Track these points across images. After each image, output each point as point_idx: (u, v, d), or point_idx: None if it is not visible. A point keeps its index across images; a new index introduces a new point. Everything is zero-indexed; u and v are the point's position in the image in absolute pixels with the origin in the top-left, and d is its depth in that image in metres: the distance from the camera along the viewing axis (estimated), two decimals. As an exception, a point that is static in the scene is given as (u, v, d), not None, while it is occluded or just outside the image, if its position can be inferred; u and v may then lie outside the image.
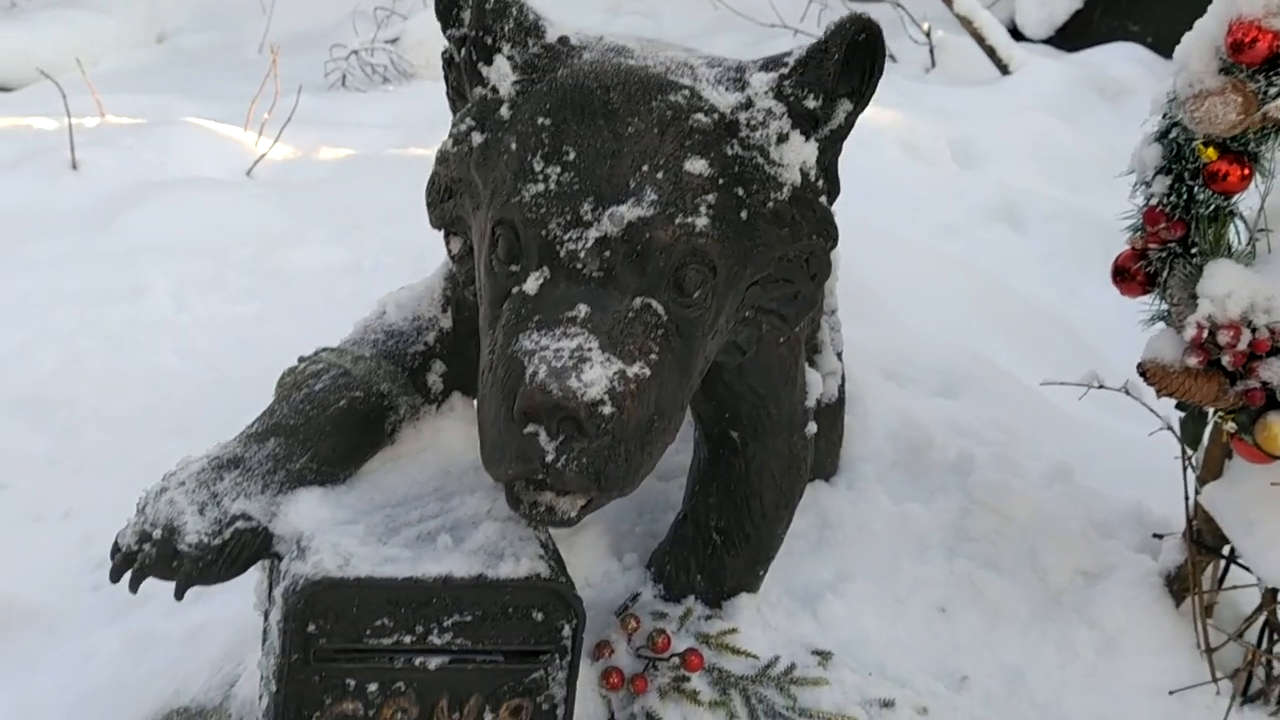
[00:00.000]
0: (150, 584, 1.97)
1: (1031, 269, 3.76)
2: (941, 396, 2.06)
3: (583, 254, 0.95)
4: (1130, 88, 5.45)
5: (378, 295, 1.42)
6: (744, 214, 1.01)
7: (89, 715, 1.66)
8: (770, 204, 1.02)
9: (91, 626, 1.86)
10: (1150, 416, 1.63)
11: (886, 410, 1.91)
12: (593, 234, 0.95)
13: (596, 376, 0.91)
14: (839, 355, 1.71)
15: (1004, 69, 5.59)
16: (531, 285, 0.97)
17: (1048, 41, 6.31)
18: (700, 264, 0.98)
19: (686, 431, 1.82)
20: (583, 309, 0.95)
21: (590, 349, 0.92)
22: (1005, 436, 1.90)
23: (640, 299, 0.97)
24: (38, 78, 6.00)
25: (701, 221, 0.97)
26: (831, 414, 1.69)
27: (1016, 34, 6.14)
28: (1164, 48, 5.91)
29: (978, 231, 4.02)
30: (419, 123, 5.17)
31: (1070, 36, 6.25)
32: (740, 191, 1.00)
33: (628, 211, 0.95)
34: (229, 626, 1.66)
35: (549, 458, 0.93)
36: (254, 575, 1.35)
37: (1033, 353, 2.71)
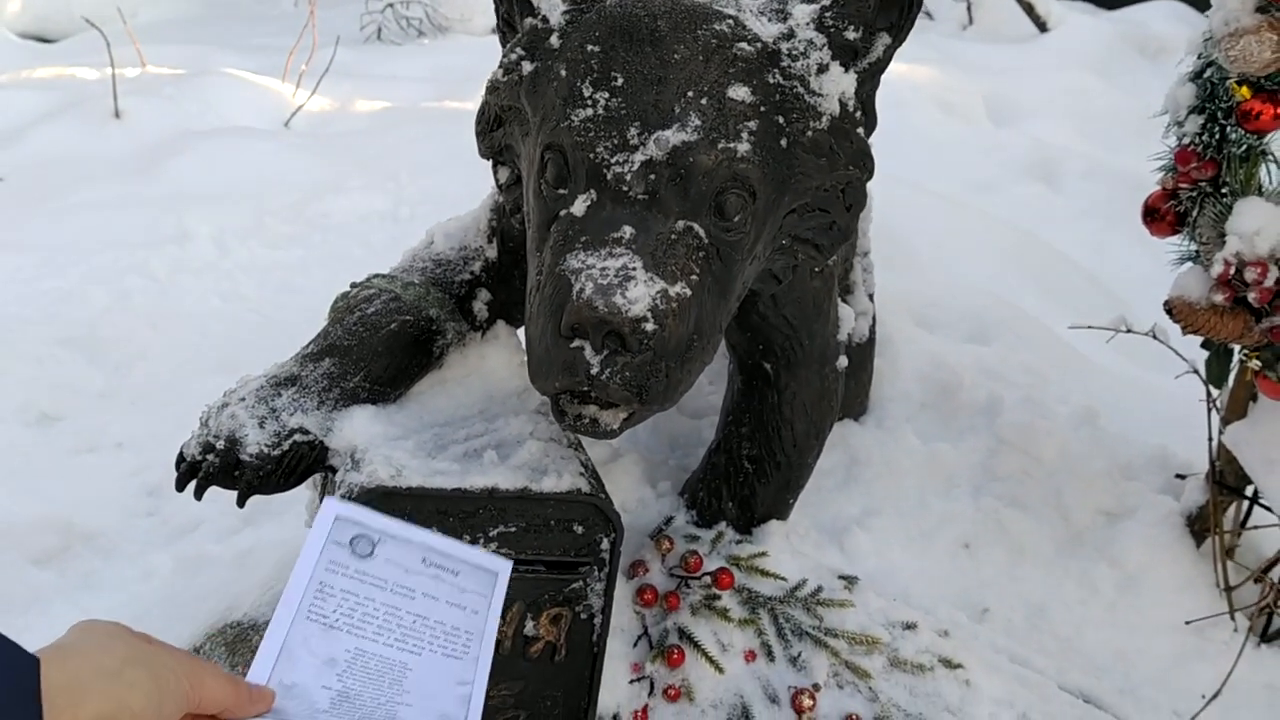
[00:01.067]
0: (201, 510, 2.04)
1: (1065, 226, 3.77)
2: (971, 342, 2.09)
3: (628, 177, 0.99)
4: (1171, 46, 5.39)
5: (413, 243, 1.47)
6: (784, 142, 1.04)
7: (146, 630, 1.73)
8: (809, 133, 1.05)
9: (147, 549, 1.95)
10: (1175, 363, 1.66)
11: (916, 353, 1.94)
12: (638, 157, 0.99)
13: (640, 294, 0.95)
14: (870, 297, 1.74)
15: (1042, 26, 5.54)
16: (579, 207, 1.01)
17: (1087, -1, 6.24)
18: (741, 189, 1.02)
19: (720, 369, 1.87)
20: (628, 230, 0.99)
21: (634, 268, 0.96)
22: (1033, 380, 1.93)
23: (683, 222, 1.01)
24: (79, 28, 6.09)
25: (743, 147, 1.01)
26: (862, 354, 1.72)
27: (1056, -9, 6.05)
28: (1205, 4, 5.84)
29: (1012, 188, 4.02)
30: (453, 76, 5.20)
31: (1111, -6, 6.17)
32: (781, 119, 1.04)
33: (672, 136, 0.99)
34: (276, 549, 1.74)
35: (594, 370, 0.97)
36: (304, 495, 1.41)
37: (1062, 303, 2.72)
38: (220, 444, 1.13)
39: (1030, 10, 5.54)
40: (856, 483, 1.72)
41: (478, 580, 0.97)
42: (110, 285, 2.87)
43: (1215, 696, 1.43)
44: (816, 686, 1.25)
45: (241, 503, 1.14)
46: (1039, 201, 3.99)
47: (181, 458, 1.16)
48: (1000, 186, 4.05)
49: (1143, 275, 3.57)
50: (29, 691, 0.67)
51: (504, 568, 0.99)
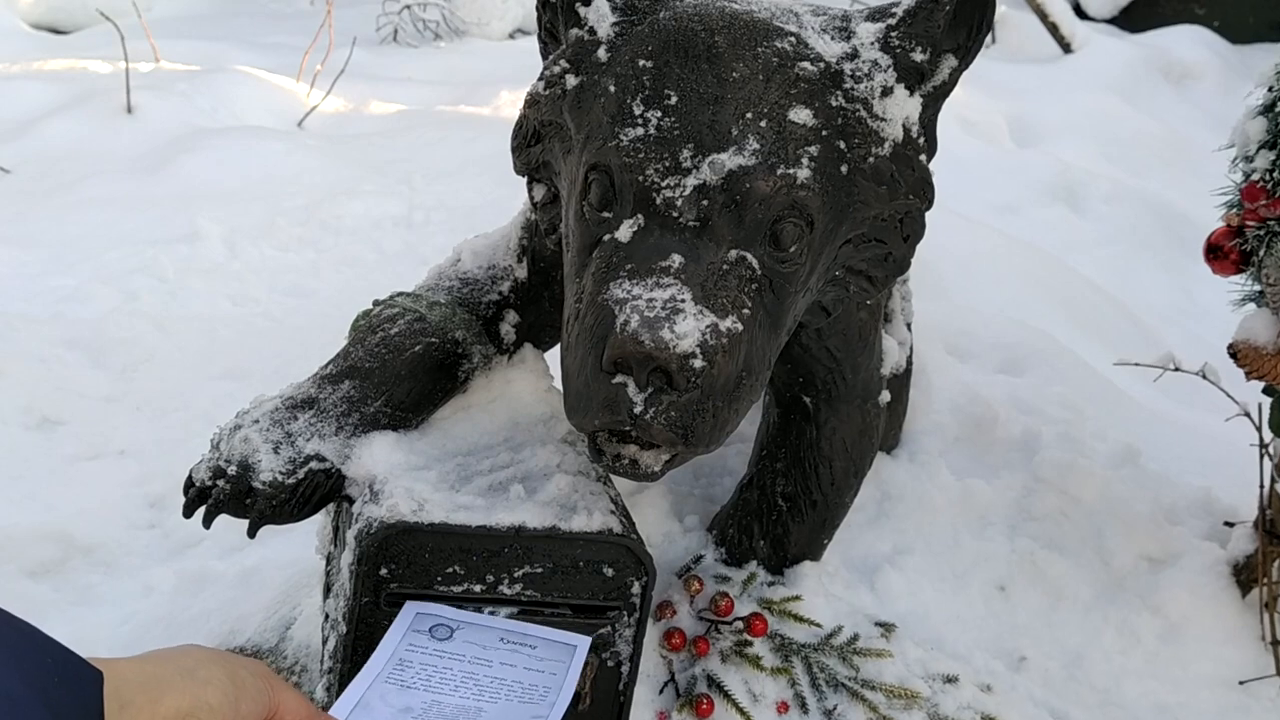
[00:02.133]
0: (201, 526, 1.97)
1: (1090, 250, 3.71)
2: (1005, 373, 2.03)
3: (680, 202, 0.93)
4: (1195, 71, 5.34)
5: (427, 249, 1.41)
6: (844, 168, 0.98)
7: (143, 649, 1.67)
8: (871, 159, 0.99)
9: (148, 564, 1.88)
10: (1219, 406, 1.59)
11: (950, 384, 1.87)
12: (691, 181, 0.93)
13: (689, 329, 0.89)
14: (908, 326, 1.68)
15: (1066, 47, 5.49)
16: (625, 233, 0.95)
17: (1111, 21, 6.20)
18: (798, 218, 0.95)
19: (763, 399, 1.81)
20: (677, 259, 0.92)
21: (683, 300, 0.90)
22: (1071, 415, 1.86)
23: (735, 251, 0.95)
24: (93, 21, 6.05)
25: (803, 174, 0.94)
26: (898, 385, 1.66)
27: (1080, 12, 6.03)
28: (1230, 32, 5.78)
29: (1036, 211, 3.96)
30: (469, 80, 5.15)
31: (1135, 17, 6.13)
32: (842, 145, 0.97)
33: (729, 160, 0.92)
34: (283, 570, 1.67)
35: (637, 409, 0.91)
36: (318, 519, 1.35)
37: (1092, 333, 2.66)
38: (232, 469, 1.07)
39: (1055, 31, 5.48)
40: (888, 519, 1.65)
41: (555, 651, 1.01)
42: (118, 285, 2.82)
43: (1266, 759, 1.36)
44: (852, 742, 1.19)
45: (253, 533, 1.07)
46: (1062, 224, 3.93)
47: (190, 482, 1.10)
48: (1023, 208, 4.00)
49: (1171, 304, 3.52)
50: (92, 708, 0.67)
51: (582, 641, 1.02)
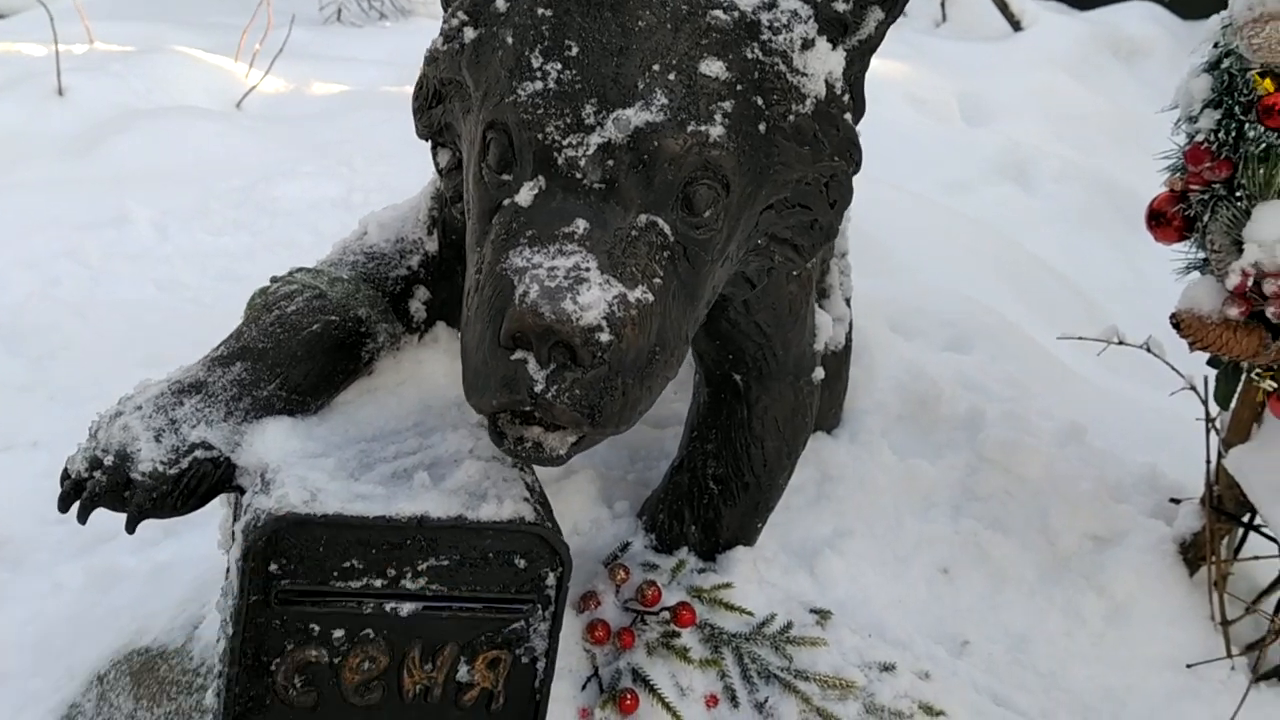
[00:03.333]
0: (117, 520, 1.89)
1: (1039, 227, 3.69)
2: (950, 350, 1.98)
3: (583, 162, 0.86)
4: (1145, 48, 5.33)
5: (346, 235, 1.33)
6: (762, 126, 0.91)
7: (50, 650, 1.59)
8: (791, 117, 0.92)
9: (57, 560, 1.79)
10: (1165, 380, 1.55)
11: (893, 362, 1.82)
12: (595, 140, 0.85)
13: (594, 299, 0.82)
14: (847, 301, 1.62)
15: (1016, 25, 5.47)
16: (525, 196, 0.87)
17: (1062, -2, 6.17)
18: (712, 179, 0.89)
19: (685, 378, 1.75)
20: (581, 224, 0.85)
21: (588, 269, 0.83)
22: (1016, 393, 1.82)
23: (645, 216, 0.88)
24: (29, 4, 5.84)
25: (716, 131, 0.87)
26: (837, 363, 1.60)
27: (1031, -11, 5.97)
28: (1180, 7, 5.77)
29: (985, 188, 3.94)
30: (415, 60, 5.00)
31: (1085, -6, 6.10)
32: (759, 101, 0.91)
33: (635, 116, 0.85)
34: (195, 565, 1.59)
35: (538, 388, 0.84)
36: (220, 511, 1.27)
37: (1040, 310, 2.63)
38: (109, 459, 0.99)
39: (1005, 8, 5.46)
40: (828, 500, 1.59)
41: None
42: (38, 270, 2.71)
43: (1214, 743, 1.33)
44: (785, 736, 1.13)
45: (131, 528, 0.99)
46: (1012, 202, 3.91)
47: (66, 474, 1.02)
48: (973, 186, 3.97)
49: (1119, 280, 3.50)
50: None
51: None
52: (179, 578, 1.58)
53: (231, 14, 5.69)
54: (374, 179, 3.48)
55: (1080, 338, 1.58)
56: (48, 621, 1.66)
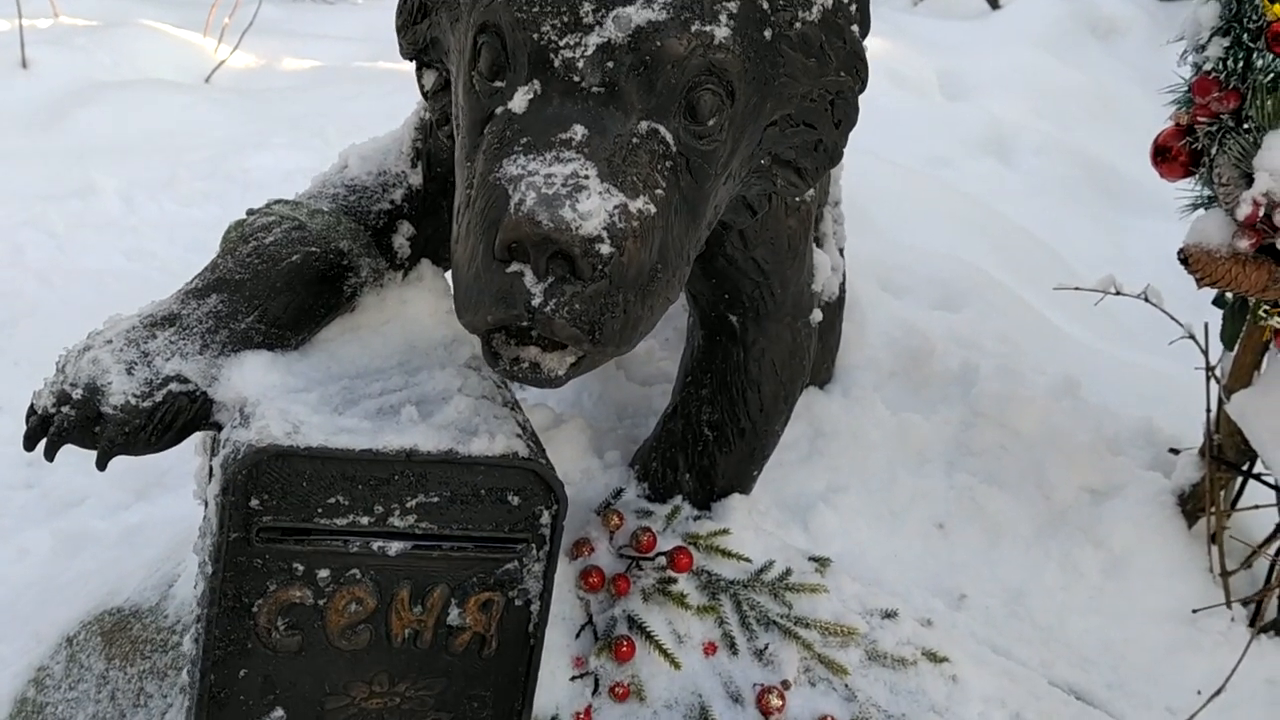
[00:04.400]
0: (86, 482, 1.82)
1: (1020, 202, 3.67)
2: (941, 309, 1.95)
3: (581, 63, 0.81)
4: (1122, 26, 5.33)
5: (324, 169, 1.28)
6: (768, 33, 0.87)
7: (17, 615, 1.54)
8: (798, 24, 0.88)
9: (23, 524, 1.75)
10: (1155, 343, 1.53)
11: (884, 318, 1.79)
12: (593, 40, 0.81)
13: (594, 208, 0.78)
14: (841, 252, 1.58)
15: (994, 3, 5.47)
16: (519, 102, 0.83)
17: (1039, -22, 6.14)
18: (717, 84, 0.84)
19: (673, 336, 1.70)
20: (579, 130, 0.80)
21: (587, 176, 0.78)
22: (1008, 349, 1.79)
23: (647, 122, 0.83)
24: (-13, -24, 5.71)
25: (721, 32, 0.83)
26: (830, 314, 1.56)
27: (1008, -32, 5.96)
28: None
29: (967, 163, 3.92)
30: (388, 38, 4.93)
31: (1062, -27, 6.08)
32: (765, 4, 0.86)
33: (636, 13, 0.80)
34: (169, 527, 1.54)
35: (535, 301, 0.79)
36: (195, 461, 1.21)
37: (1025, 276, 2.60)
38: (77, 393, 0.94)
39: (982, -13, 5.45)
40: (822, 456, 1.56)
41: None
42: (1, 240, 2.63)
43: (1217, 694, 1.30)
44: (785, 684, 1.09)
45: (102, 464, 0.94)
46: (992, 176, 3.89)
47: (32, 410, 0.96)
48: (954, 161, 3.95)
49: (1099, 254, 3.49)
50: None
51: None
52: (152, 539, 1.53)
53: (199, -11, 5.59)
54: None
55: (1078, 288, 1.55)
56: (13, 587, 1.61)
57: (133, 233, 2.81)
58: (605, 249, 0.78)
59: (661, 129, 0.84)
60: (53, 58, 4.07)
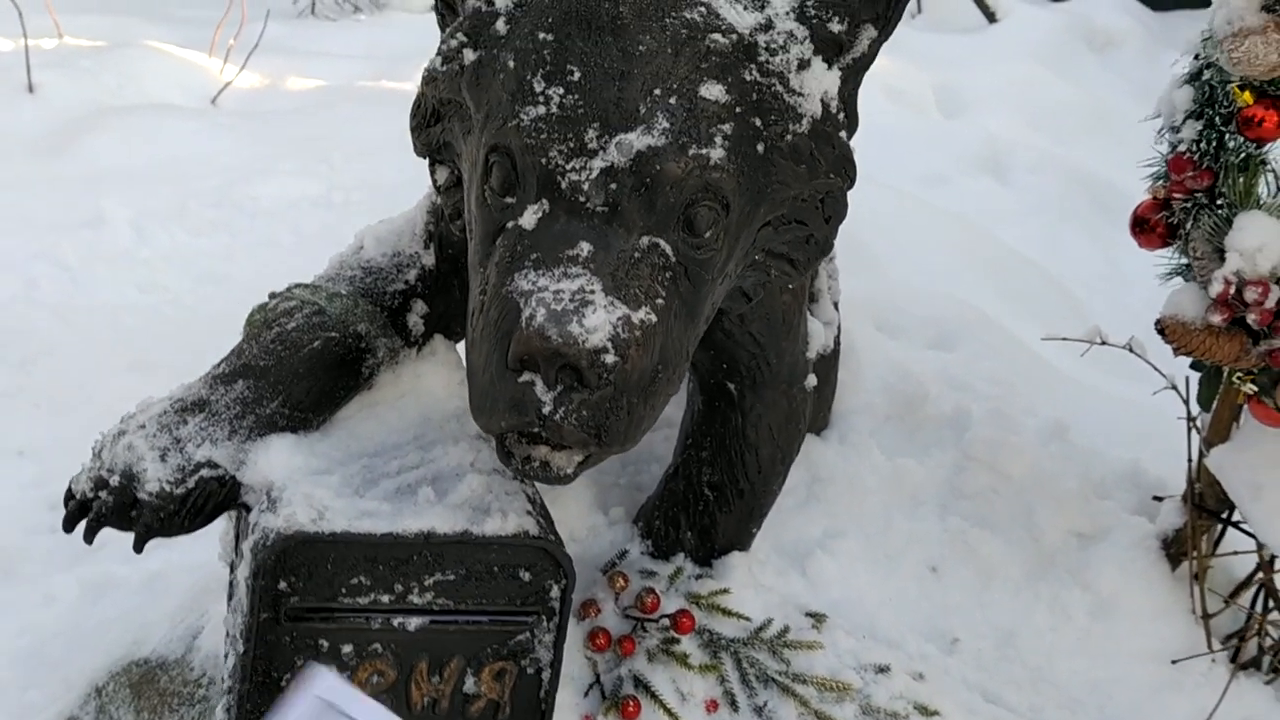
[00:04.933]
0: (106, 529, 1.89)
1: (1016, 220, 3.72)
2: (935, 349, 2.00)
3: (586, 185, 0.87)
4: (1118, 39, 5.37)
5: (348, 231, 1.33)
6: (760, 147, 0.93)
7: (45, 662, 1.59)
8: (789, 136, 0.94)
9: (48, 570, 1.79)
10: (1147, 377, 1.58)
11: (879, 362, 1.84)
12: (598, 164, 0.87)
13: (600, 322, 0.84)
14: (835, 305, 1.64)
15: (991, 16, 5.51)
16: (529, 219, 0.89)
17: (1035, -11, 6.18)
18: (713, 201, 0.90)
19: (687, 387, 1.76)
20: (585, 247, 0.86)
21: (593, 291, 0.84)
22: (1001, 391, 1.84)
23: (647, 238, 0.89)
24: (-9, -5, 5.76)
25: (716, 153, 0.89)
26: (826, 366, 1.62)
27: (1004, -20, 6.00)
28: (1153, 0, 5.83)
29: (963, 181, 3.96)
30: (391, 54, 5.01)
31: (1058, -16, 6.13)
32: (758, 122, 0.92)
33: (637, 140, 0.86)
34: (190, 574, 1.59)
35: (546, 409, 0.85)
36: (218, 524, 1.27)
37: (1020, 305, 2.66)
38: (115, 480, 1.00)
39: (980, 0, 5.49)
40: (819, 502, 1.62)
41: None
42: (16, 273, 2.68)
43: (1197, 735, 1.36)
44: (783, 738, 1.15)
45: (139, 547, 1.00)
46: (989, 195, 3.94)
47: (70, 494, 1.02)
48: (951, 179, 3.99)
49: (1096, 272, 3.54)
50: None
51: None
52: (172, 587, 1.59)
53: (203, 7, 5.63)
54: (353, 176, 3.46)
55: (1064, 339, 1.61)
56: (41, 633, 1.66)
57: (145, 265, 2.85)
58: (610, 359, 0.84)
59: (661, 243, 0.89)
60: (59, 81, 4.10)
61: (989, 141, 4.30)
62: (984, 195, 3.94)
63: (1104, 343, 1.56)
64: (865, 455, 1.67)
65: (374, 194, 3.30)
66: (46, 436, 2.06)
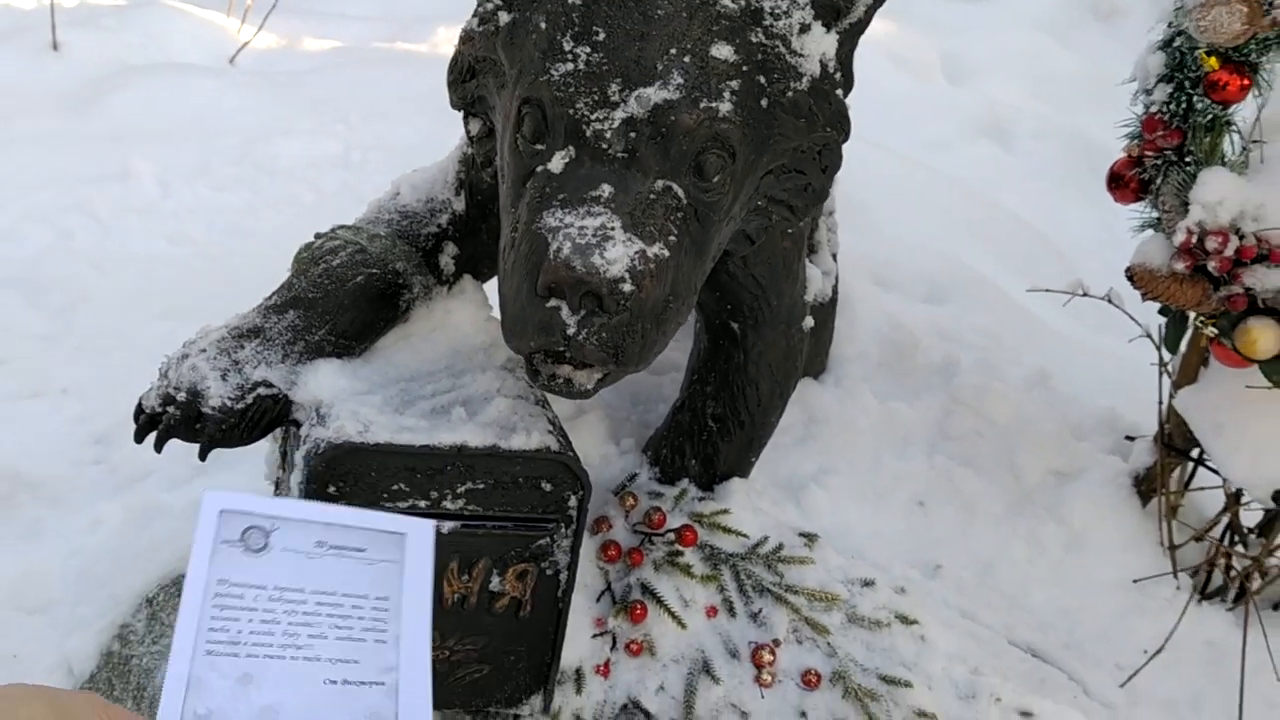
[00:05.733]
0: (151, 459, 2.00)
1: (1018, 186, 3.80)
2: (928, 303, 2.11)
3: (609, 134, 0.98)
4: (1123, 8, 5.42)
5: (366, 189, 1.43)
6: (764, 102, 1.03)
7: (93, 582, 1.70)
8: (790, 93, 1.05)
9: (94, 498, 1.89)
10: (1127, 328, 1.69)
11: (874, 313, 1.95)
12: (619, 114, 0.97)
13: (618, 255, 0.95)
14: (834, 256, 1.75)
15: (998, -16, 5.53)
16: (557, 164, 1.00)
17: (1043, -42, 6.22)
18: (721, 149, 1.01)
19: (683, 329, 1.87)
20: (606, 189, 0.97)
21: (613, 228, 0.95)
22: (989, 342, 1.95)
23: (662, 181, 1.00)
24: (12, -46, 5.82)
25: (725, 107, 1.00)
26: (824, 314, 1.73)
27: (1012, -51, 6.03)
28: (1158, -31, 5.89)
29: (966, 147, 4.04)
30: (406, 17, 5.08)
31: (1066, -47, 6.16)
32: (762, 79, 1.03)
33: (654, 94, 0.97)
34: (231, 500, 1.71)
35: (570, 330, 0.96)
36: (265, 446, 1.39)
37: (1013, 264, 2.76)
38: (181, 396, 1.11)
39: (986, -32, 5.53)
40: (814, 440, 1.73)
41: (386, 549, 0.89)
42: (51, 224, 2.78)
43: (1158, 653, 1.48)
44: (776, 642, 1.27)
45: (204, 456, 1.12)
46: (992, 161, 4.02)
47: (140, 409, 1.14)
48: (954, 145, 4.07)
49: (1093, 236, 3.63)
50: None
51: (415, 527, 0.90)
52: (216, 512, 1.70)
53: (220, -33, 5.70)
54: (370, 136, 3.55)
55: (1047, 290, 1.71)
56: (89, 555, 1.77)
57: (173, 217, 2.94)
58: (627, 288, 0.96)
59: (675, 186, 1.00)
60: (82, 39, 4.17)
61: (993, 108, 4.37)
62: (986, 161, 4.03)
63: (1085, 294, 1.67)
64: (858, 398, 1.79)
65: (390, 153, 3.40)
66: (88, 377, 2.17)
